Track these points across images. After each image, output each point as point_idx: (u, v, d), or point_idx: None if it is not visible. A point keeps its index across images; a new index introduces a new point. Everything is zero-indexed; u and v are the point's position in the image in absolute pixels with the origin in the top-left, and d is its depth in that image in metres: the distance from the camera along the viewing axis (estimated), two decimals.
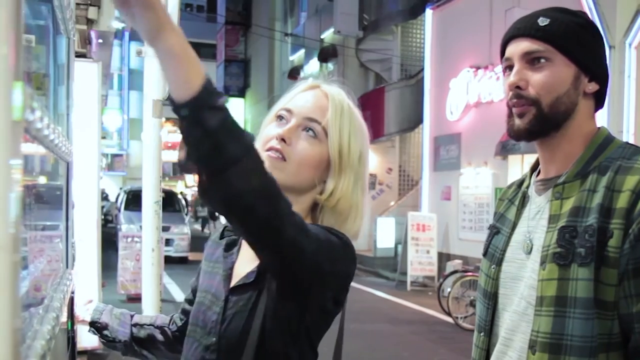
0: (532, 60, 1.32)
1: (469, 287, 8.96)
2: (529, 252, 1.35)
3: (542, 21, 1.33)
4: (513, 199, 1.47)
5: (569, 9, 1.39)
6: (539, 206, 1.37)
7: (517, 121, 1.33)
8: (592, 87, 1.35)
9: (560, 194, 1.32)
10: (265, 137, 1.26)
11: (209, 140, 0.92)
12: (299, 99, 1.29)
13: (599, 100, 1.38)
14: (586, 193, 1.28)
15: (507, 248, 1.41)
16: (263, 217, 0.99)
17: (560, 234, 1.27)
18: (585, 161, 1.32)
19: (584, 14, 1.40)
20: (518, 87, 1.32)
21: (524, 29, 1.35)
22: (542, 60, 1.31)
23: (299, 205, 1.23)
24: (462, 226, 12.60)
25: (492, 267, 1.43)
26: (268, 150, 1.23)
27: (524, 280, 1.35)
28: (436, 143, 13.72)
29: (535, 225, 1.36)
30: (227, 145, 0.93)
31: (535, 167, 1.46)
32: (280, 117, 1.28)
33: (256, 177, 0.97)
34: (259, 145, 1.23)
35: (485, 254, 1.48)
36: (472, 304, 8.61)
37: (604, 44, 1.40)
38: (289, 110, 1.27)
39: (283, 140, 1.23)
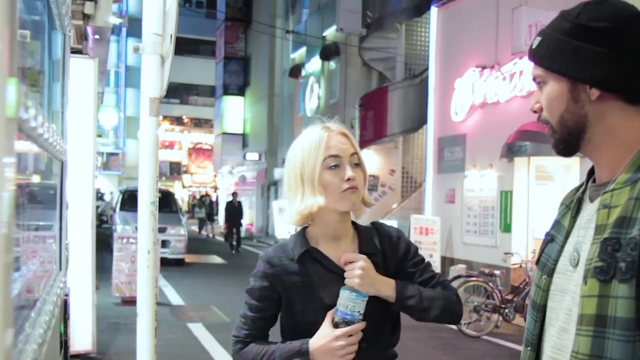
0: (538, 83, 1.34)
1: (473, 293, 8.91)
2: (576, 264, 1.26)
3: (535, 42, 1.34)
4: (570, 204, 1.38)
5: (569, 11, 1.30)
6: (590, 214, 1.29)
7: (552, 141, 1.36)
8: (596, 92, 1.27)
9: (608, 202, 1.22)
10: (337, 183, 1.74)
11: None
12: (334, 144, 1.76)
13: (629, 95, 1.24)
14: (633, 202, 1.18)
15: (559, 258, 1.33)
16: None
17: (602, 246, 1.18)
18: (637, 166, 1.22)
19: (583, 7, 1.28)
20: (535, 111, 1.35)
21: (529, 51, 1.37)
22: (541, 83, 1.33)
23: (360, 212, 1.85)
24: (466, 230, 12.55)
25: (543, 277, 1.35)
26: (349, 190, 1.73)
27: (569, 294, 1.27)
28: (440, 144, 13.65)
29: (584, 235, 1.27)
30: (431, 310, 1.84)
31: (593, 171, 1.36)
32: (335, 165, 1.74)
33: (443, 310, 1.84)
34: (329, 190, 1.73)
35: (537, 263, 1.41)
36: (475, 309, 8.58)
37: (607, 34, 1.25)
38: (336, 156, 1.75)
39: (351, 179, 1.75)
